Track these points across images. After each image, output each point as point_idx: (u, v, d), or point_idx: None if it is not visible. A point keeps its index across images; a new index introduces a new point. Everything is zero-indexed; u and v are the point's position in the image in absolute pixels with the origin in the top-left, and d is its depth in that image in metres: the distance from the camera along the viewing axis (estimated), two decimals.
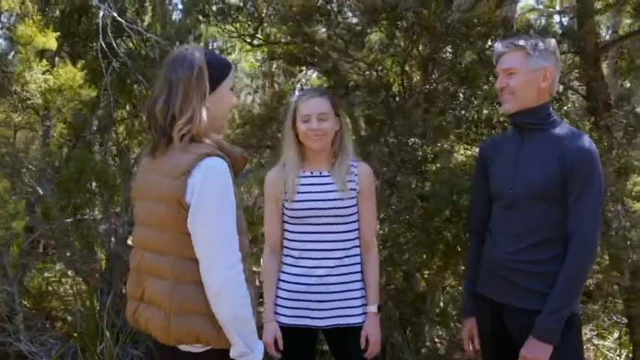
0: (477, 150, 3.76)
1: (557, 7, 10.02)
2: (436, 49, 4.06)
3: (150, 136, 2.38)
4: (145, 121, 5.18)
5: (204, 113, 2.23)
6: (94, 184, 4.89)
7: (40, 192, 4.96)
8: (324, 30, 4.20)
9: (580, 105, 5.20)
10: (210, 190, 2.15)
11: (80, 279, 5.33)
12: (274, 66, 6.57)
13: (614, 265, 4.94)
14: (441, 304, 4.89)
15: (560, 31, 4.99)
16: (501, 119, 4.13)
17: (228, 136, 5.12)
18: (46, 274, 5.90)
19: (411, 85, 4.24)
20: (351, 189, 2.98)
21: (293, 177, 2.99)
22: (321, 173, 3.02)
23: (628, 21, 5.42)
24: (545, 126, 2.80)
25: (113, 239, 5.45)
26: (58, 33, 4.23)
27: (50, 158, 4.76)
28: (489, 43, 3.81)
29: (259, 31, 5.55)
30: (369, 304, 3.00)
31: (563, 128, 2.82)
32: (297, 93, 3.16)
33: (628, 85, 5.35)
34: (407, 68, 4.44)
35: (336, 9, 3.93)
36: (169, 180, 2.19)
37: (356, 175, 3.01)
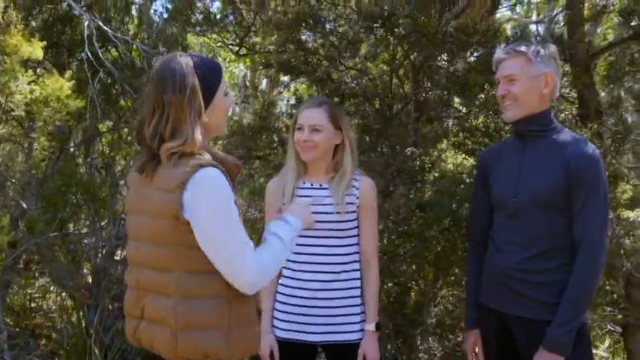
0: (475, 159, 3.74)
1: (534, 18, 10.09)
2: (430, 56, 4.01)
3: (140, 151, 2.32)
4: (132, 135, 5.12)
5: (197, 133, 2.16)
6: (79, 197, 4.74)
7: (24, 206, 4.82)
8: (316, 38, 4.12)
9: (571, 113, 5.22)
10: (210, 202, 2.10)
11: (65, 294, 5.17)
12: (258, 76, 6.51)
13: (608, 273, 4.94)
14: (433, 314, 4.82)
15: (551, 40, 4.99)
16: (498, 127, 4.10)
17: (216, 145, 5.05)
18: (29, 290, 5.72)
19: (404, 94, 4.18)
20: (350, 203, 2.92)
21: (291, 186, 2.94)
22: (321, 185, 2.97)
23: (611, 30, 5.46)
24: (548, 133, 2.78)
25: (100, 254, 5.31)
26: (44, 42, 4.10)
27: (35, 171, 4.61)
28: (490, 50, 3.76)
29: (245, 41, 5.50)
30: (367, 321, 2.94)
31: (565, 135, 2.79)
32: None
33: (617, 93, 5.39)
34: (400, 75, 4.40)
35: (331, 17, 3.86)
36: (163, 194, 2.13)
37: (357, 189, 2.96)
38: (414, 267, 4.13)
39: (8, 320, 5.36)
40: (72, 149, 5.46)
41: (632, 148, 5.62)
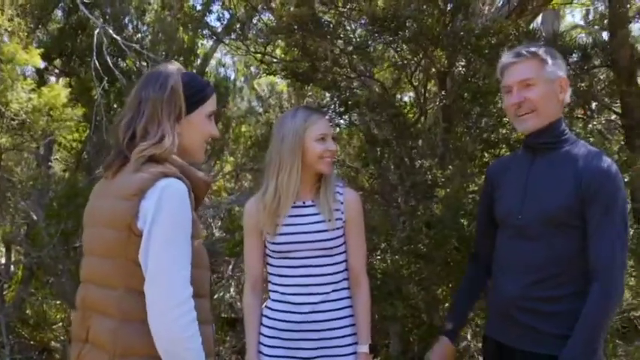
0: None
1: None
2: (451, 62, 3.69)
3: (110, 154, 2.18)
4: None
5: (175, 137, 2.05)
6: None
7: (34, 217, 4.76)
8: (321, 42, 3.87)
9: (615, 122, 4.80)
10: (164, 215, 1.93)
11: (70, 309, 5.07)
12: (281, 85, 6.36)
13: None
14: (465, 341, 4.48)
15: (590, 43, 4.60)
16: (520, 138, 3.74)
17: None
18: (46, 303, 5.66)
19: (423, 102, 3.86)
20: (338, 219, 2.77)
21: (286, 209, 2.75)
22: (304, 203, 2.79)
23: None
24: (558, 144, 2.52)
25: None
26: (42, 50, 4.00)
27: (42, 182, 4.53)
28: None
29: (269, 48, 5.31)
30: (359, 343, 2.77)
31: (579, 147, 2.52)
32: (292, 112, 2.89)
33: None
34: (411, 81, 4.10)
35: (334, 20, 3.60)
36: (120, 202, 1.98)
37: (342, 203, 2.79)
38: (431, 289, 3.81)
39: (23, 332, 5.31)
40: (87, 160, 5.37)
41: None
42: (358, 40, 3.56)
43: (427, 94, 4.25)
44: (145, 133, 2.03)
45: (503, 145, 3.87)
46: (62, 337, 5.52)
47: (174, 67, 2.15)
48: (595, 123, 4.06)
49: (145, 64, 5.02)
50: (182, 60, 5.02)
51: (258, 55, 5.23)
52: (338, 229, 2.76)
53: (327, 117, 2.86)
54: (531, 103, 2.46)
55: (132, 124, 2.06)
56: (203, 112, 2.16)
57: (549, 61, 2.47)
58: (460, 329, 2.94)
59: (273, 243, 2.76)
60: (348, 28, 3.74)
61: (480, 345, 5.09)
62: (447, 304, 3.89)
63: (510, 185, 2.60)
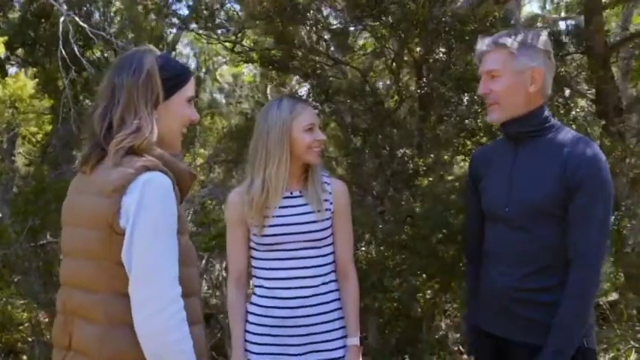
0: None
1: (563, 14, 9.69)
2: (429, 49, 3.62)
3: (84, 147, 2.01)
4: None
5: (154, 125, 1.91)
6: (53, 204, 4.44)
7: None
8: (302, 30, 3.76)
9: (589, 110, 4.79)
10: (149, 211, 1.81)
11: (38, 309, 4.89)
12: (247, 76, 6.24)
13: (631, 285, 4.52)
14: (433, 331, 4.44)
15: (564, 30, 4.60)
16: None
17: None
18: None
19: (401, 90, 3.79)
20: (326, 209, 2.68)
21: (280, 198, 2.65)
22: (292, 194, 2.69)
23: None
24: (542, 132, 2.44)
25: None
26: (5, 38, 3.80)
27: (7, 177, 4.33)
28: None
29: (240, 37, 5.19)
30: (349, 336, 2.70)
31: (564, 133, 2.44)
32: (276, 102, 2.79)
33: None
34: (393, 69, 4.02)
35: (314, 6, 3.49)
36: (99, 199, 1.84)
37: (330, 193, 2.72)
38: (411, 280, 3.76)
39: None
40: (53, 153, 5.16)
41: None
42: (338, 26, 3.45)
43: (407, 82, 4.19)
44: (122, 123, 1.88)
45: (481, 134, 3.82)
46: (30, 339, 5.34)
47: (147, 49, 2.01)
48: (578, 110, 4.02)
49: (113, 52, 4.83)
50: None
51: (228, 44, 5.12)
52: (327, 219, 2.68)
53: (311, 107, 2.79)
54: (495, 95, 2.40)
55: (107, 113, 1.90)
56: (182, 97, 2.02)
57: (519, 51, 2.38)
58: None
59: (262, 235, 2.66)
60: (327, 14, 3.63)
61: (457, 335, 5.11)
62: (427, 296, 3.89)
63: (494, 176, 2.53)
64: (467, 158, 3.77)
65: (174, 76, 1.99)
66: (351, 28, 3.36)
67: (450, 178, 3.80)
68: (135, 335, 1.81)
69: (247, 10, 3.79)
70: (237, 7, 5.13)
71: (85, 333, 1.88)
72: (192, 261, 2.00)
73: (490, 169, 2.56)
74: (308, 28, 3.60)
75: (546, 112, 2.47)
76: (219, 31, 5.18)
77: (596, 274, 2.32)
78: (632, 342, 4.93)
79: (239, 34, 5.26)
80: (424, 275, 3.50)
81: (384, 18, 3.23)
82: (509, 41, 2.41)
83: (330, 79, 3.74)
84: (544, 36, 2.47)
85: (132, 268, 1.79)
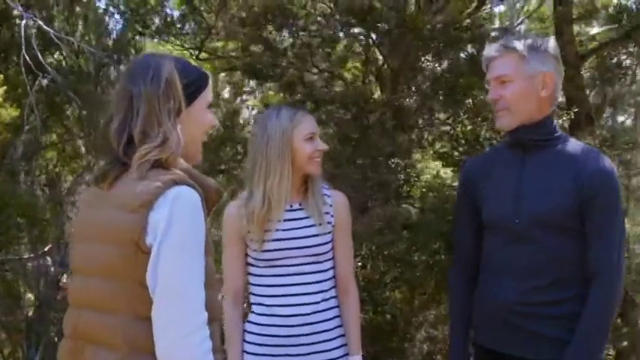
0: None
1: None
2: (414, 56, 3.58)
3: (100, 162, 1.87)
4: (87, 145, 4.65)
5: (180, 136, 1.77)
6: (17, 219, 4.18)
7: None
8: (285, 36, 3.66)
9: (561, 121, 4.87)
10: (178, 229, 1.67)
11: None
12: (220, 82, 6.08)
13: None
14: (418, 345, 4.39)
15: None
16: (488, 135, 3.68)
17: None
18: None
19: (385, 99, 3.73)
20: (327, 222, 2.60)
21: (278, 215, 2.54)
22: (291, 206, 2.60)
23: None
24: (551, 142, 2.40)
25: (43, 282, 4.76)
26: None
27: None
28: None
29: (206, 44, 5.03)
30: (351, 354, 2.63)
31: (572, 145, 2.42)
32: (275, 111, 2.67)
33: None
34: (377, 78, 3.97)
35: (302, 12, 3.39)
36: (123, 215, 1.71)
37: (331, 205, 2.63)
38: (397, 294, 3.70)
39: None
40: (10, 165, 4.87)
41: (620, 155, 5.21)
42: (330, 33, 3.36)
43: (388, 91, 4.14)
44: (144, 137, 1.75)
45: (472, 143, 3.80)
46: None
47: (162, 54, 1.88)
48: (565, 118, 4.06)
49: (79, 58, 4.59)
50: (116, 56, 4.65)
51: (192, 52, 4.96)
52: (328, 233, 2.60)
53: (311, 116, 2.69)
54: (505, 101, 2.36)
55: (125, 126, 1.77)
56: (203, 103, 1.89)
57: (530, 55, 2.34)
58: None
59: (262, 251, 2.55)
60: (316, 20, 3.54)
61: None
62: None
63: (499, 186, 2.46)
64: (455, 169, 3.74)
65: (195, 81, 1.87)
66: (341, 34, 3.27)
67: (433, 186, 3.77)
68: None
69: (227, 18, 3.67)
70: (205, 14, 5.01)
71: None
72: (212, 283, 1.84)
73: (491, 179, 2.50)
74: (295, 35, 3.50)
75: (554, 122, 2.44)
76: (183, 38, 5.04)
77: (619, 290, 2.31)
78: None
79: (205, 41, 5.12)
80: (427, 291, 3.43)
81: (380, 25, 3.16)
82: (519, 45, 2.36)
83: (322, 88, 3.65)
84: (552, 41, 2.43)
85: (156, 290, 1.65)
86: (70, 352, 1.82)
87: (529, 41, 2.39)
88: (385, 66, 3.95)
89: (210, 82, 1.97)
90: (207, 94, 1.91)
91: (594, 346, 2.27)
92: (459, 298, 2.66)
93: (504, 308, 2.39)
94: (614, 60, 5.09)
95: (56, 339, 4.59)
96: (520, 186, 2.40)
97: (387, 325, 4.01)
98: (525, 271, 2.36)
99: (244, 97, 5.52)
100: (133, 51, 4.82)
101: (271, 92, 4.79)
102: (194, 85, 1.86)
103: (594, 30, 4.99)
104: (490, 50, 2.45)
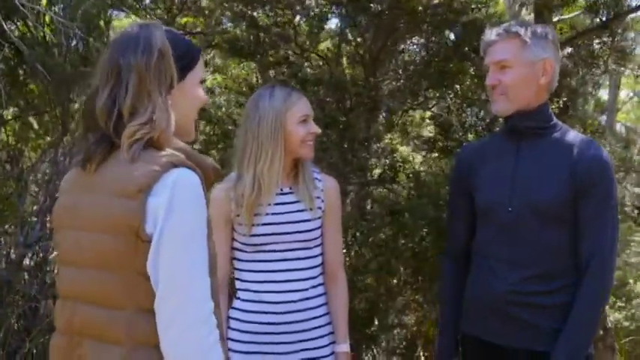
0: (451, 158, 3.29)
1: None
2: (402, 39, 3.49)
3: (81, 140, 1.75)
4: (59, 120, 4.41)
5: (171, 113, 1.66)
6: None
7: None
8: (269, 13, 3.52)
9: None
10: (180, 215, 1.58)
11: None
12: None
13: None
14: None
15: None
16: (473, 122, 3.63)
17: None
18: None
19: (377, 81, 3.65)
20: (317, 207, 2.56)
21: (268, 199, 2.49)
22: (282, 190, 2.54)
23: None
24: (547, 130, 2.39)
25: (3, 262, 4.53)
26: None
27: None
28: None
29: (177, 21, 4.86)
30: (338, 342, 2.61)
31: (569, 134, 2.40)
32: (268, 91, 2.58)
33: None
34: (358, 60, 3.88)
35: None
36: (118, 201, 1.61)
37: (322, 190, 2.59)
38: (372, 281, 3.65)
39: None
40: None
41: None
42: (319, 12, 3.24)
43: (366, 74, 4.05)
44: (134, 112, 1.64)
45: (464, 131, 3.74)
46: None
47: (153, 24, 1.74)
48: (554, 107, 4.05)
49: (46, 29, 4.34)
50: (87, 29, 4.40)
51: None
52: (318, 218, 2.55)
53: (305, 98, 2.59)
54: (504, 86, 2.34)
55: (114, 101, 1.64)
56: (195, 77, 1.78)
57: (531, 41, 2.33)
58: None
59: (251, 235, 2.49)
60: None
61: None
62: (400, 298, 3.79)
63: (493, 174, 2.44)
64: (442, 156, 3.69)
65: (187, 54, 1.75)
66: (331, 15, 3.16)
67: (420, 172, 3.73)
68: (162, 358, 1.59)
69: None
70: None
71: (102, 356, 1.63)
72: (215, 269, 1.77)
73: (485, 167, 2.47)
74: (281, 12, 3.36)
75: (550, 110, 2.42)
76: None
77: (611, 280, 2.33)
78: None
79: (177, 16, 4.94)
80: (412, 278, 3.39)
81: (372, 5, 3.06)
82: (521, 30, 2.33)
83: (304, 69, 3.53)
84: (552, 30, 2.41)
85: (159, 280, 1.56)
86: (64, 348, 1.73)
87: (531, 27, 2.36)
88: (362, 50, 3.86)
89: (202, 56, 1.84)
90: (200, 69, 1.80)
91: (585, 336, 2.29)
92: (451, 287, 2.63)
93: (497, 298, 2.37)
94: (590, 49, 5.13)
95: (16, 326, 4.38)
96: (515, 174, 2.38)
97: (364, 312, 3.98)
98: (519, 262, 2.34)
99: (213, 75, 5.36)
100: (102, 23, 4.58)
101: (244, 71, 4.63)
102: (186, 58, 1.74)
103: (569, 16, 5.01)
104: (491, 34, 2.41)
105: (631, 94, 14.39)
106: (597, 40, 5.26)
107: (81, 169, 1.73)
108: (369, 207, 3.54)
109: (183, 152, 1.69)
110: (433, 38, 3.28)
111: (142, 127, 1.62)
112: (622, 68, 5.54)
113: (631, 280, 6.92)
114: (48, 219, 4.46)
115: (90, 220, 1.66)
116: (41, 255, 4.58)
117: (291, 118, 2.49)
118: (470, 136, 3.59)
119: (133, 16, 5.10)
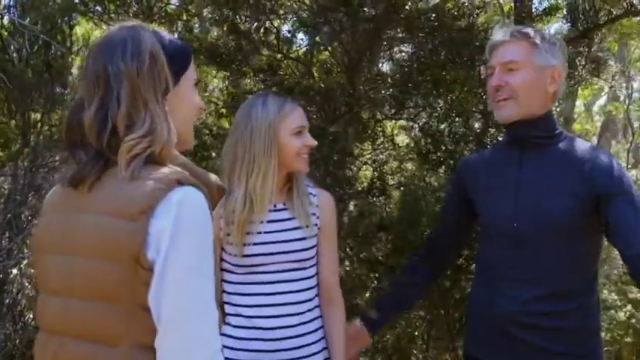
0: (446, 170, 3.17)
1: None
2: (390, 45, 3.36)
3: (69, 157, 1.57)
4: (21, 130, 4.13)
5: (170, 121, 1.53)
6: None
7: None
8: (252, 19, 3.34)
9: None
10: (186, 240, 1.44)
11: None
12: None
13: None
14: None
15: None
16: (462, 132, 3.50)
17: None
18: None
19: (366, 90, 3.51)
20: (314, 224, 2.43)
21: (260, 217, 2.34)
22: (275, 206, 2.40)
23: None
24: (553, 139, 2.28)
25: None
26: None
27: None
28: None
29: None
30: None
31: (576, 143, 2.30)
32: (260, 100, 2.43)
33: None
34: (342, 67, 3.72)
35: None
36: (116, 223, 1.45)
37: (317, 206, 2.45)
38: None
39: None
40: None
41: None
42: (306, 17, 3.08)
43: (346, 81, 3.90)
44: (130, 123, 1.48)
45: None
46: None
47: (139, 25, 1.60)
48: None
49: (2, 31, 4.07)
50: (53, 32, 4.15)
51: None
52: (314, 236, 2.42)
53: (300, 108, 2.45)
54: (511, 88, 2.22)
55: (105, 113, 1.49)
56: (189, 81, 1.65)
57: (542, 45, 2.23)
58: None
59: (242, 256, 2.33)
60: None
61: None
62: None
63: (496, 187, 2.34)
64: (434, 169, 3.56)
65: (179, 56, 1.61)
66: (320, 20, 3.00)
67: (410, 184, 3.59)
68: None
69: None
70: None
71: None
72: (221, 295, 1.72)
73: (489, 180, 2.36)
74: (264, 17, 3.19)
75: (555, 119, 2.32)
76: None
77: None
78: None
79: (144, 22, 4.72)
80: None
81: (366, 10, 2.90)
82: (532, 32, 2.23)
83: (285, 76, 3.37)
84: (560, 39, 2.33)
85: (162, 314, 1.41)
86: None
87: (540, 32, 2.27)
88: (347, 57, 3.71)
89: (193, 57, 1.69)
90: (192, 72, 1.67)
91: None
92: (403, 274, 2.71)
93: (503, 319, 2.26)
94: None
95: None
96: (518, 187, 2.26)
97: None
98: (527, 280, 2.23)
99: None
100: (67, 29, 4.33)
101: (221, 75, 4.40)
102: (178, 60, 1.60)
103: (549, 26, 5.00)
104: (499, 34, 2.31)
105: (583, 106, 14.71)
106: (573, 50, 5.29)
107: (69, 189, 1.55)
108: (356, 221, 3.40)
109: (184, 168, 1.54)
110: (429, 46, 3.16)
111: (141, 141, 1.47)
112: (595, 79, 5.55)
113: None
114: (7, 236, 4.19)
115: (83, 244, 1.49)
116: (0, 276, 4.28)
117: (285, 129, 2.34)
118: (459, 148, 3.48)
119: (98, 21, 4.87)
